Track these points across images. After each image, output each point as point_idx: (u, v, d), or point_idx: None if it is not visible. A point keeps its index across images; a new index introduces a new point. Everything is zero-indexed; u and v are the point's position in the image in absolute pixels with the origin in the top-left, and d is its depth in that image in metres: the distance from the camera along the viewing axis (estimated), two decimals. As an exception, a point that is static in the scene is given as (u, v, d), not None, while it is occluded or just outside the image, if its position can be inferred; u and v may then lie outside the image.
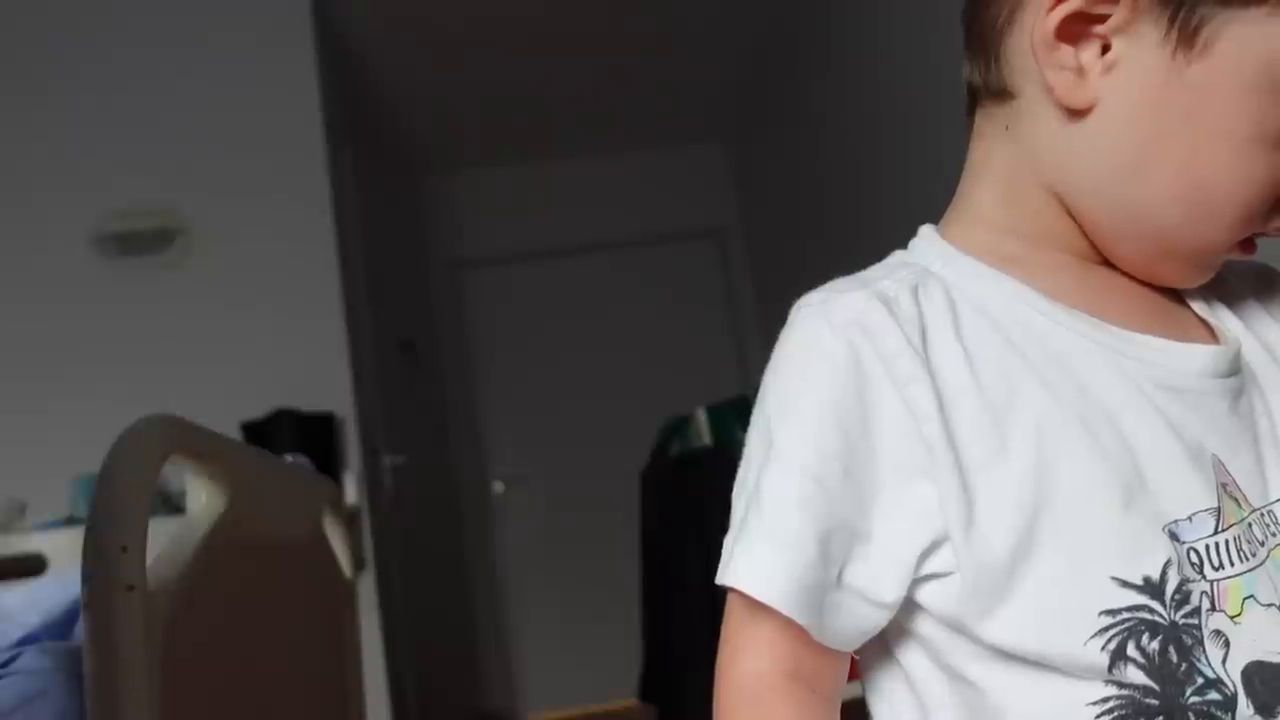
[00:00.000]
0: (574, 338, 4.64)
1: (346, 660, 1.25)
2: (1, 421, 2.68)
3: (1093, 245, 0.58)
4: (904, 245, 0.64)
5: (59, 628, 0.88)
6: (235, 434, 2.61)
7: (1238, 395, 0.54)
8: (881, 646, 0.55)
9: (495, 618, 4.51)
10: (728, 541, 0.53)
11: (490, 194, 4.64)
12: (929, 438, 0.51)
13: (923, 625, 0.52)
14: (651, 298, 4.68)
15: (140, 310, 2.82)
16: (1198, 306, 0.59)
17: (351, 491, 2.73)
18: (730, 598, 0.53)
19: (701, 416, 2.59)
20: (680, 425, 2.72)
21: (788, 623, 0.50)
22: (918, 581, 0.51)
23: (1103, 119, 0.52)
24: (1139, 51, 0.50)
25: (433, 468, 4.20)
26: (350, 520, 1.90)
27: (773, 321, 0.59)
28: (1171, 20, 0.49)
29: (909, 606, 0.52)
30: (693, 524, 2.33)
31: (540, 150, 4.52)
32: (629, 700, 3.11)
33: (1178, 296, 0.59)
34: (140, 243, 2.85)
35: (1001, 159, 0.58)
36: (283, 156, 2.93)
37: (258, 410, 2.67)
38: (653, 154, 4.65)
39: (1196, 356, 0.54)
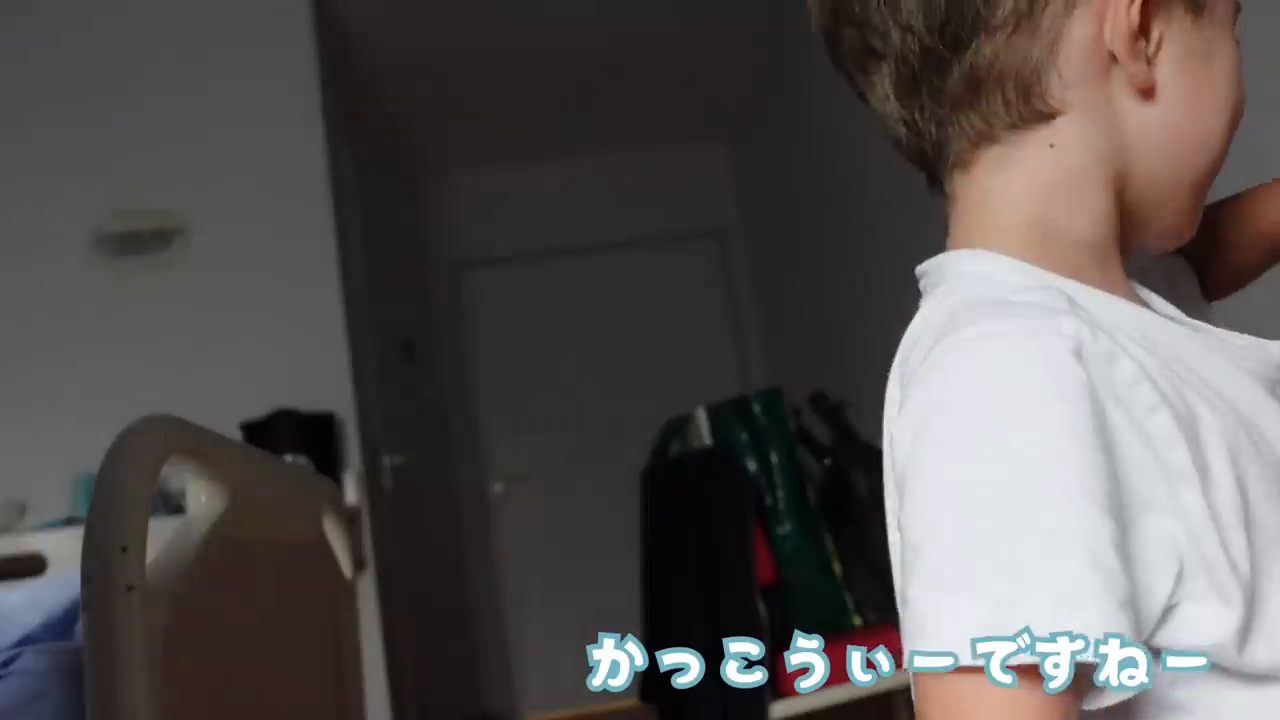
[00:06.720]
0: (574, 338, 4.63)
1: (346, 660, 1.25)
2: (1, 421, 2.68)
3: (1117, 236, 0.60)
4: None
5: (59, 628, 0.87)
6: (235, 434, 2.61)
7: None
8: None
9: (495, 618, 4.51)
10: (936, 599, 0.46)
11: (490, 194, 4.64)
12: (1176, 465, 0.49)
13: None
14: (651, 298, 4.68)
15: (140, 310, 2.82)
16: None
17: (351, 491, 2.73)
18: (949, 681, 0.44)
19: (701, 416, 2.58)
20: (680, 425, 2.71)
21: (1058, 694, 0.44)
22: (1166, 614, 0.48)
23: (1164, 89, 0.60)
24: (1174, 25, 0.60)
25: (433, 468, 4.20)
26: (350, 520, 1.90)
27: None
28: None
29: None
30: (693, 524, 2.33)
31: (540, 150, 4.51)
32: (629, 700, 3.11)
33: None
34: (140, 243, 2.85)
35: (1051, 172, 0.58)
36: (283, 156, 2.93)
37: (258, 410, 2.67)
38: (653, 154, 4.65)
39: (1275, 349, 0.57)
